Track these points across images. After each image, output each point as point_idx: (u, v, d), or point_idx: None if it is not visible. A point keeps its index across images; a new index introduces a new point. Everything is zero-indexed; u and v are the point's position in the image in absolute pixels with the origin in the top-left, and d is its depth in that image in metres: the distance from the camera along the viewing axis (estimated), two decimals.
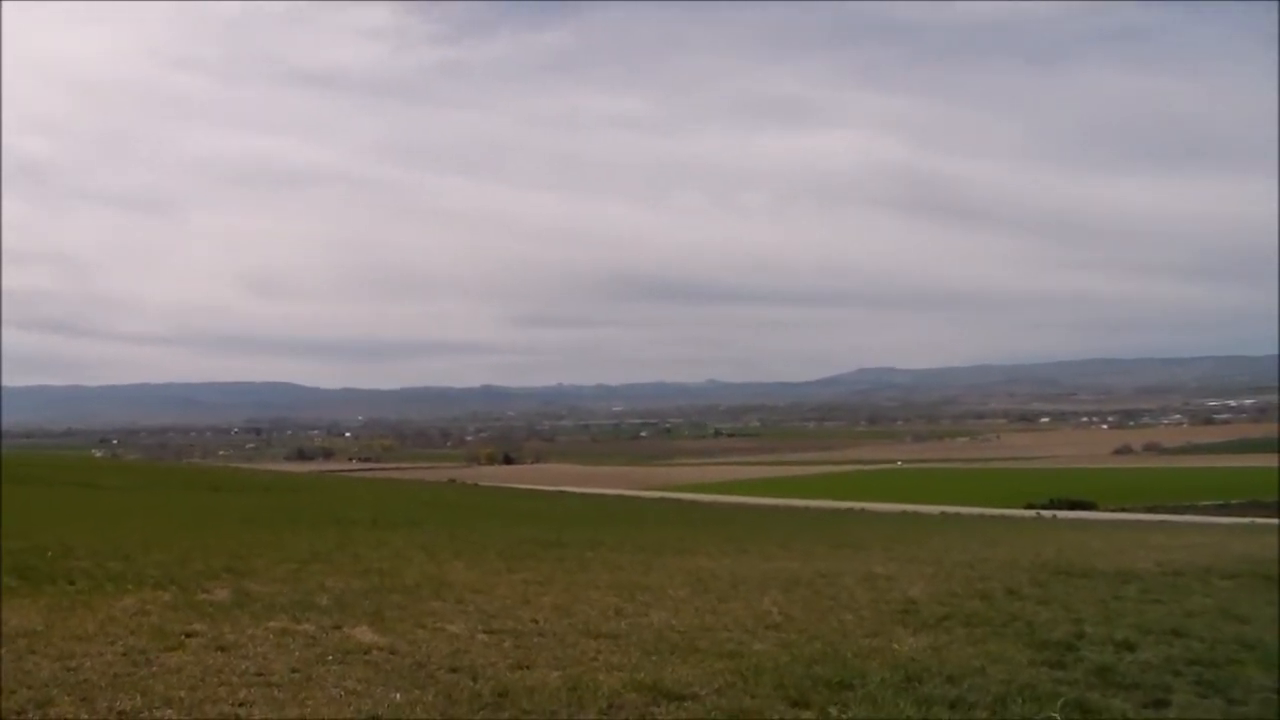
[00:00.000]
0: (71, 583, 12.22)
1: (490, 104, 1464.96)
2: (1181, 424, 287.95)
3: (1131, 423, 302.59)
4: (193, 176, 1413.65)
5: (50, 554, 14.57)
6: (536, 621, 10.64)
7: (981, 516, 46.05)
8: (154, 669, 8.12)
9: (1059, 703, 7.62)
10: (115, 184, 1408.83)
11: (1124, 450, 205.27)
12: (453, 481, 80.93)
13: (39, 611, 10.28)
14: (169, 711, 7.01)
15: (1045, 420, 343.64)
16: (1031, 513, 51.45)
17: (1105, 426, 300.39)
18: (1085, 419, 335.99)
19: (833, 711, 7.38)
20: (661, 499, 59.65)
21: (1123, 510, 61.63)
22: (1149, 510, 64.16)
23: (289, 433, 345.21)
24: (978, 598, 13.03)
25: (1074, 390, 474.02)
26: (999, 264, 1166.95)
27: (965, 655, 9.33)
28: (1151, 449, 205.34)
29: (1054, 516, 46.54)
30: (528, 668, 8.53)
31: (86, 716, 6.88)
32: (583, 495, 61.68)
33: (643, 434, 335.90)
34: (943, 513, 48.13)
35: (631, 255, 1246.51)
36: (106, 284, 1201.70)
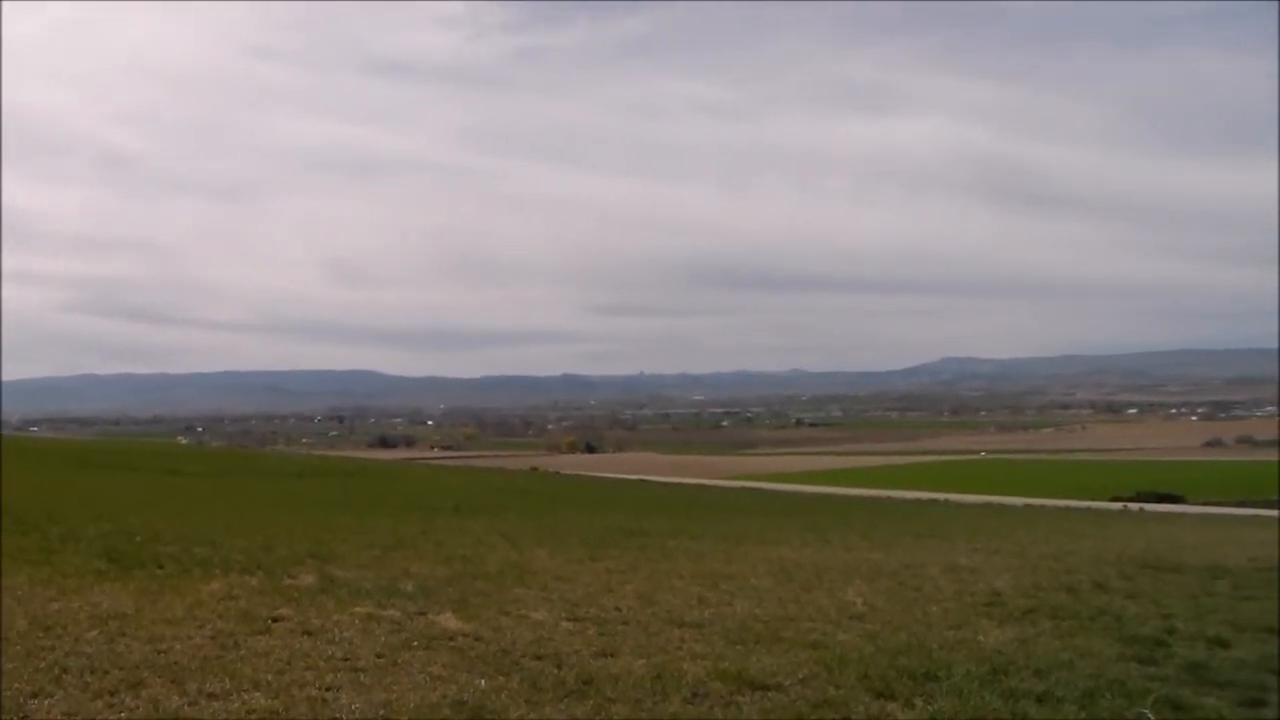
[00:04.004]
0: (160, 567, 12.40)
1: (569, 91, 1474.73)
2: (1275, 416, 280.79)
3: (1223, 414, 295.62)
4: (276, 165, 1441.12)
5: (138, 539, 14.82)
6: (620, 610, 10.67)
7: (1066, 509, 45.54)
8: (242, 652, 8.22)
9: (1150, 699, 7.47)
10: (200, 173, 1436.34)
11: (1215, 443, 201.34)
12: (534, 470, 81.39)
13: (129, 595, 10.46)
14: (257, 694, 7.08)
15: (1133, 411, 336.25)
16: (1118, 505, 50.61)
17: (1195, 418, 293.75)
18: (1174, 410, 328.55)
19: (918, 703, 7.31)
20: (743, 488, 59.70)
21: (1213, 504, 60.33)
22: (1240, 505, 62.78)
23: (371, 420, 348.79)
24: (1064, 591, 12.90)
25: (1163, 381, 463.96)
26: (1086, 252, 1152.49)
27: (1052, 649, 9.23)
28: (1244, 442, 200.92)
29: (1141, 509, 45.83)
30: (612, 655, 8.56)
31: (177, 698, 6.96)
32: (664, 484, 61.83)
33: (724, 423, 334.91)
34: (1027, 504, 47.71)
35: (713, 242, 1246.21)
36: (192, 272, 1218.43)
